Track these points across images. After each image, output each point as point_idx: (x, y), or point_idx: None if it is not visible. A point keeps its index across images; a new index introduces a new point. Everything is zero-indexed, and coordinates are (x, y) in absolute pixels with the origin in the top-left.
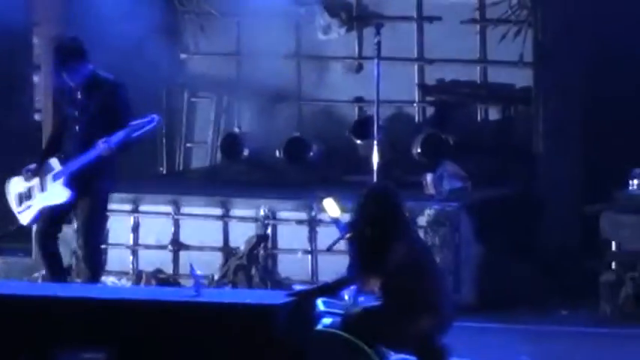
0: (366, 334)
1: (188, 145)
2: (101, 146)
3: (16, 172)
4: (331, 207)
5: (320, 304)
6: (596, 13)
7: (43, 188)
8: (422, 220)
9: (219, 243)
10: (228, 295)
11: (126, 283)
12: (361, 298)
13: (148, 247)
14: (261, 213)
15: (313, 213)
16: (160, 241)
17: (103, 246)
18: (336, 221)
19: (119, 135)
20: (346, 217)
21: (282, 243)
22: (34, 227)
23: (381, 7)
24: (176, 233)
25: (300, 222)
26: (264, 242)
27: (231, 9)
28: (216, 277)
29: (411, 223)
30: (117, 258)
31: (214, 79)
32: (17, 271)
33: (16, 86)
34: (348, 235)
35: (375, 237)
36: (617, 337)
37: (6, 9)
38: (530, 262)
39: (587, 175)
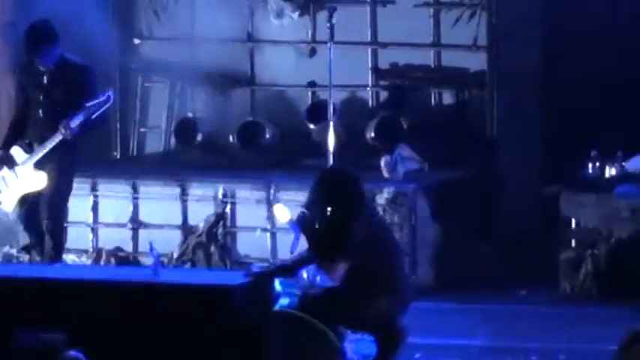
0: (324, 314)
1: (142, 129)
2: (62, 131)
3: None
4: (281, 212)
5: (278, 284)
6: None
7: (16, 175)
8: (380, 199)
9: (178, 222)
10: (186, 275)
11: (86, 260)
12: (318, 278)
13: (107, 225)
14: (220, 192)
15: (272, 192)
16: (119, 219)
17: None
18: (289, 224)
19: (78, 117)
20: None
21: (240, 222)
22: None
23: None
24: (135, 212)
25: (258, 201)
26: (222, 220)
27: None
28: (175, 255)
29: (369, 203)
30: (76, 236)
31: (168, 64)
32: None
33: None
34: (302, 234)
35: (334, 218)
36: (577, 315)
37: None
38: (488, 242)
39: (545, 157)
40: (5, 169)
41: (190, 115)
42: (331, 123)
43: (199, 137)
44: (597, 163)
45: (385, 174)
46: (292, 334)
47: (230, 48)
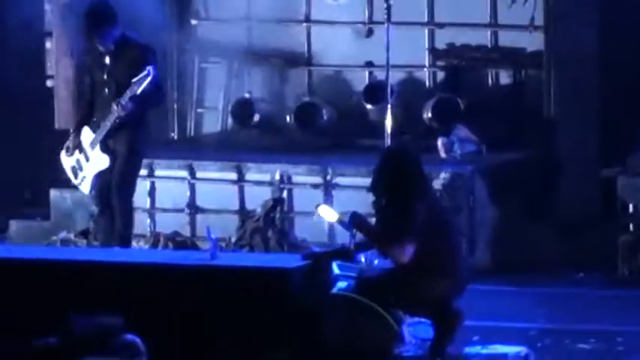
0: (381, 297)
1: (199, 110)
2: (114, 109)
3: (35, 139)
4: (326, 212)
5: (335, 267)
6: None
7: (87, 158)
8: (437, 184)
9: (236, 206)
10: (244, 259)
11: (143, 245)
12: (376, 261)
13: (165, 210)
14: (277, 177)
15: (328, 177)
16: (176, 204)
17: None
18: (340, 223)
19: (127, 95)
20: (345, 216)
21: (297, 206)
22: (92, 194)
23: None
24: (192, 197)
25: (315, 186)
26: (280, 205)
27: None
28: (233, 240)
29: (431, 184)
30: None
31: (224, 44)
32: (35, 235)
33: (29, 53)
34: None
35: (398, 200)
36: (634, 298)
37: None
38: (545, 225)
39: (603, 138)
40: (77, 152)
41: (247, 95)
42: (388, 104)
43: (256, 118)
44: None
45: (442, 155)
46: (350, 317)
47: (287, 28)
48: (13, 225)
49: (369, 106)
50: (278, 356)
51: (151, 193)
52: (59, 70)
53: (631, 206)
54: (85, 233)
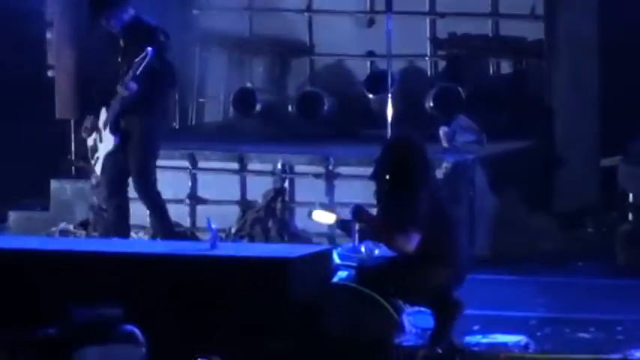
0: (381, 287)
1: (200, 100)
2: (119, 90)
3: (35, 129)
4: (322, 216)
5: (336, 256)
6: None
7: (101, 139)
8: (438, 173)
9: (237, 197)
10: (244, 249)
11: (143, 236)
12: (377, 251)
13: (166, 201)
14: (278, 167)
15: (330, 167)
16: (177, 194)
17: None
18: (337, 223)
19: (129, 75)
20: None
21: (299, 196)
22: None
23: None
24: (193, 187)
25: (317, 175)
26: (281, 196)
27: None
28: (233, 230)
29: (434, 173)
30: (134, 211)
31: (226, 34)
32: (35, 226)
33: (29, 43)
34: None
35: (402, 189)
36: (634, 287)
37: None
38: (545, 214)
39: (603, 127)
40: (95, 132)
41: (249, 85)
42: (390, 93)
43: (258, 107)
44: None
45: (444, 144)
46: (350, 307)
47: (288, 18)
48: (13, 216)
49: (370, 96)
50: (278, 346)
51: None
52: (60, 60)
53: (631, 195)
54: (84, 224)
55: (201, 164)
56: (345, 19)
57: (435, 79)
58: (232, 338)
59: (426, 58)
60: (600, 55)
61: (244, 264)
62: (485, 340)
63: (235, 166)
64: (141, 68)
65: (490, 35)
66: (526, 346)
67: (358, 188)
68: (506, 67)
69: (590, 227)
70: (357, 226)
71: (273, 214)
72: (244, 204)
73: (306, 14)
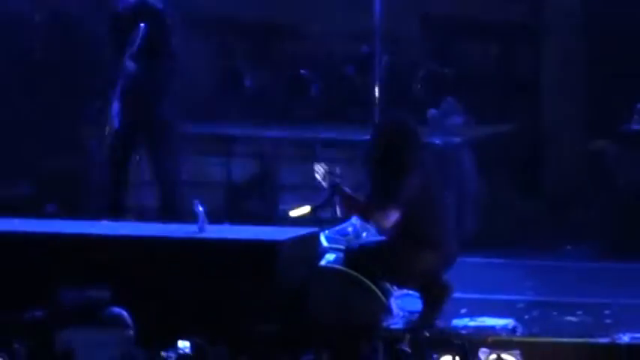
0: (369, 270)
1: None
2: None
3: None
4: (299, 211)
5: (324, 239)
6: None
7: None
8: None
9: (223, 178)
10: (232, 232)
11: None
12: (364, 234)
13: (152, 183)
14: (265, 149)
15: (317, 148)
16: None
17: None
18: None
19: (127, 53)
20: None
21: (285, 178)
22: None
23: None
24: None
25: (303, 157)
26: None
27: None
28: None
29: (426, 156)
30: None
31: (212, 15)
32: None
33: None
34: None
35: (392, 166)
36: (622, 271)
37: None
38: (534, 197)
39: (592, 110)
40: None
41: (235, 67)
42: (377, 75)
43: (244, 89)
44: None
45: (431, 127)
46: (338, 289)
47: None
48: None
49: (357, 78)
50: (266, 329)
51: (137, 165)
52: None
53: (619, 177)
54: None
55: (187, 146)
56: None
57: (422, 61)
58: (220, 321)
59: (414, 40)
60: (588, 37)
61: (232, 247)
62: (472, 324)
63: (222, 148)
64: (138, 44)
65: (478, 18)
66: (514, 330)
67: (345, 170)
68: (493, 50)
69: (578, 210)
70: (335, 200)
71: (260, 197)
72: (231, 186)
73: None
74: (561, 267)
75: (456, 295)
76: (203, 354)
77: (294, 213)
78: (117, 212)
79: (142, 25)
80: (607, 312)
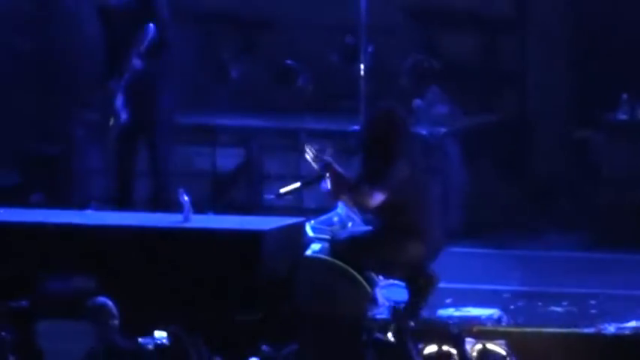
0: (355, 260)
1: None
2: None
3: None
4: (287, 188)
5: (309, 229)
6: None
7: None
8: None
9: (209, 168)
10: (217, 221)
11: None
12: (349, 224)
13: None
14: (250, 139)
15: (303, 139)
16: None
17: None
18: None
19: (134, 52)
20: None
21: (271, 168)
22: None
23: None
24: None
25: (289, 148)
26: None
27: None
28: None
29: (415, 146)
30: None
31: (199, 7)
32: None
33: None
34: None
35: (382, 152)
36: (608, 262)
37: None
38: (519, 187)
39: (577, 99)
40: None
41: (223, 57)
42: (362, 65)
43: (230, 80)
44: (628, 107)
45: (417, 116)
46: (323, 279)
47: None
48: None
49: (343, 68)
50: (250, 319)
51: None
52: None
53: (604, 166)
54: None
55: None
56: None
57: (408, 51)
58: (205, 311)
59: (400, 31)
60: (573, 27)
61: (217, 236)
62: (458, 314)
63: (207, 137)
64: (144, 44)
65: (463, 8)
66: (499, 320)
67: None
68: (478, 40)
69: (563, 200)
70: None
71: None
72: (216, 175)
73: None
74: (547, 257)
75: (442, 284)
76: (180, 344)
77: (284, 189)
78: (124, 204)
79: (150, 25)
80: (593, 302)
